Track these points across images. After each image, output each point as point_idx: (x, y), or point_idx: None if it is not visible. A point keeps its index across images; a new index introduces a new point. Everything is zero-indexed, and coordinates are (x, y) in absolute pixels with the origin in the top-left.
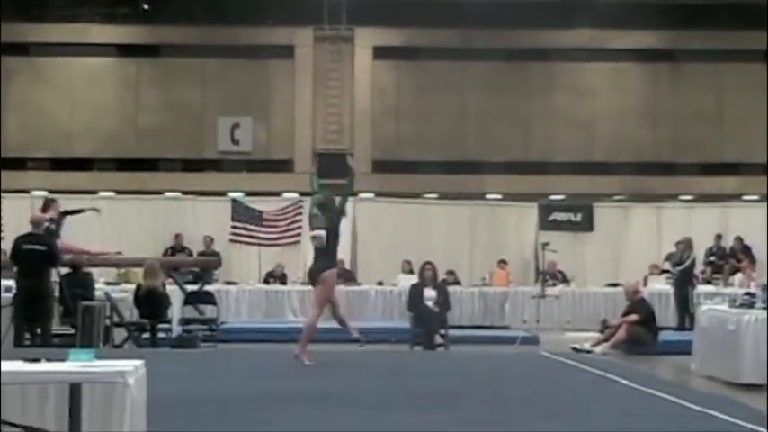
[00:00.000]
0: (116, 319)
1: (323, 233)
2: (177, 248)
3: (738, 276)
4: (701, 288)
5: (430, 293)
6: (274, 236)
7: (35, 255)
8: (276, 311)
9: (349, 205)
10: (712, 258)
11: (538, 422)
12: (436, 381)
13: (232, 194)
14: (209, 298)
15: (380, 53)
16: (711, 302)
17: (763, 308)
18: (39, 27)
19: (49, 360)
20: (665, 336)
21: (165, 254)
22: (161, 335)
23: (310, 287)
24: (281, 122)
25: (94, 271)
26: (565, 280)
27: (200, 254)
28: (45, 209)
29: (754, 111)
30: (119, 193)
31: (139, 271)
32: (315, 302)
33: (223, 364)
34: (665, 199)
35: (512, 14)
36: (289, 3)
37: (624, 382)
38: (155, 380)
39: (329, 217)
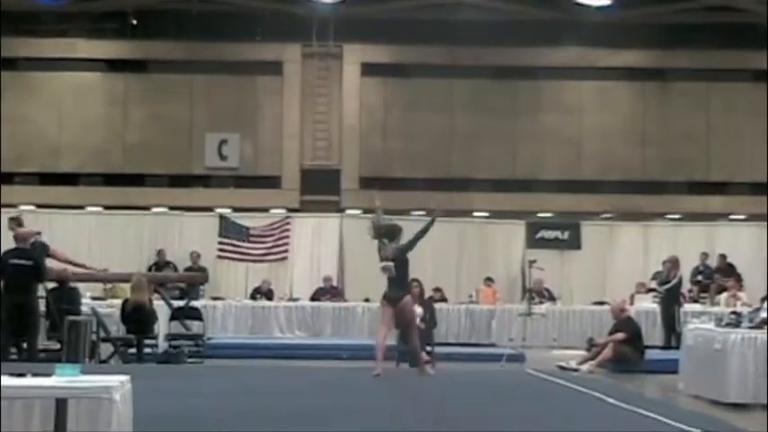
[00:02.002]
0: (102, 334)
1: (390, 264)
2: (161, 264)
3: (725, 296)
4: (688, 307)
5: (416, 310)
6: (261, 252)
7: (22, 269)
8: (263, 327)
9: (335, 221)
10: (699, 277)
11: None
12: (421, 398)
13: (219, 210)
14: (195, 314)
15: (369, 70)
16: (698, 321)
17: (750, 327)
18: (27, 41)
19: (34, 375)
20: (651, 354)
21: (148, 270)
22: (147, 350)
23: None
24: (268, 138)
25: (81, 286)
26: (551, 298)
27: (187, 269)
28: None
29: (741, 130)
30: (106, 208)
31: (126, 286)
32: (406, 324)
33: (209, 379)
34: (651, 217)
35: (500, 33)
36: (277, 19)
37: (610, 400)
38: (141, 395)
39: (396, 247)
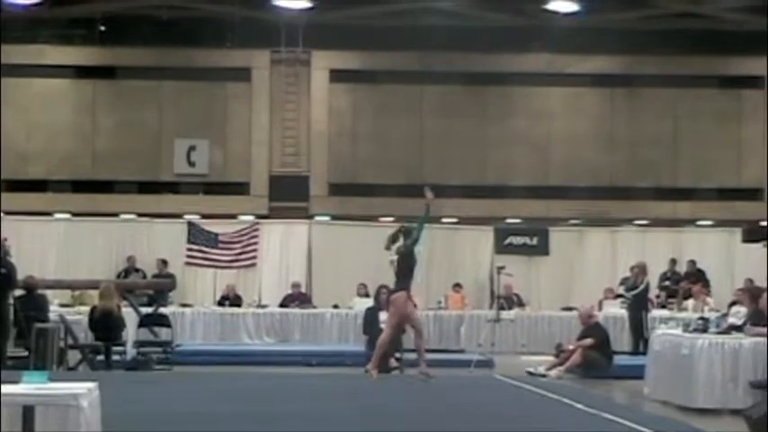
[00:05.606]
0: (70, 341)
1: (394, 258)
2: (130, 270)
3: (692, 301)
4: (656, 312)
5: (385, 317)
6: (230, 258)
7: None
8: (231, 334)
9: (304, 228)
10: (667, 283)
11: None
12: (390, 404)
13: (188, 217)
14: (163, 320)
15: (337, 76)
16: (666, 327)
17: (718, 332)
18: None
19: (2, 382)
20: (619, 360)
21: (118, 276)
22: (116, 357)
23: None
24: (237, 145)
25: (49, 293)
26: (520, 304)
27: (155, 276)
28: None
29: (708, 136)
30: (74, 214)
31: (94, 293)
32: (387, 322)
33: (178, 386)
34: (619, 223)
35: (470, 38)
36: (246, 26)
37: (578, 406)
38: (109, 402)
39: (403, 245)
